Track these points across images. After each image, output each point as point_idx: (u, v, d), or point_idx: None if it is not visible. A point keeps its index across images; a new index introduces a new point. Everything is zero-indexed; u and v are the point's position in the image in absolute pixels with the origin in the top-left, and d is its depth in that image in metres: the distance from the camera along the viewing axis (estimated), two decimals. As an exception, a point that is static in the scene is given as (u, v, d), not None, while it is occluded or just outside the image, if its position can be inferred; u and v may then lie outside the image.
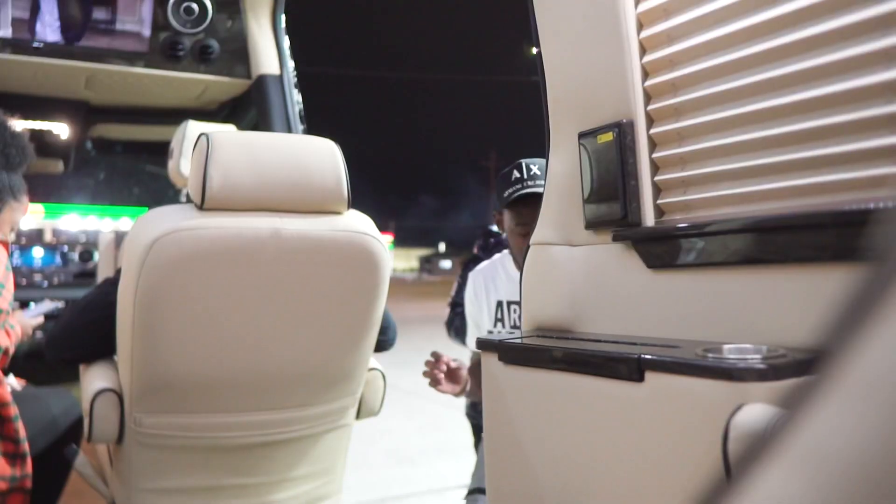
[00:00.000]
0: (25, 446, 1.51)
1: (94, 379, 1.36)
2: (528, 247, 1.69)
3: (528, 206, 1.65)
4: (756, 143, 0.80)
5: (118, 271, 1.34)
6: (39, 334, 2.31)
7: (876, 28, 0.67)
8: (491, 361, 1.04)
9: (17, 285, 1.73)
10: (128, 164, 3.73)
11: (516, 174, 1.70)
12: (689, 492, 0.69)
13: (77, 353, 1.50)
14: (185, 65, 2.62)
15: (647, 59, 0.94)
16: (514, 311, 1.79)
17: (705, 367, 0.68)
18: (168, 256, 1.17)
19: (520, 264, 1.72)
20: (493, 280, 1.85)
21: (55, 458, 1.67)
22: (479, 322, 1.88)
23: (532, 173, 1.70)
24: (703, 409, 0.68)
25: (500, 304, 1.82)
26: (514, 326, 1.79)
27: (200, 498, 1.39)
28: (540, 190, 1.55)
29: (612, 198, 0.96)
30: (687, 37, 0.89)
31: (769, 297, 0.77)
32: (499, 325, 1.82)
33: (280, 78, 2.67)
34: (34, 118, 2.86)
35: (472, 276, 1.92)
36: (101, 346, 1.44)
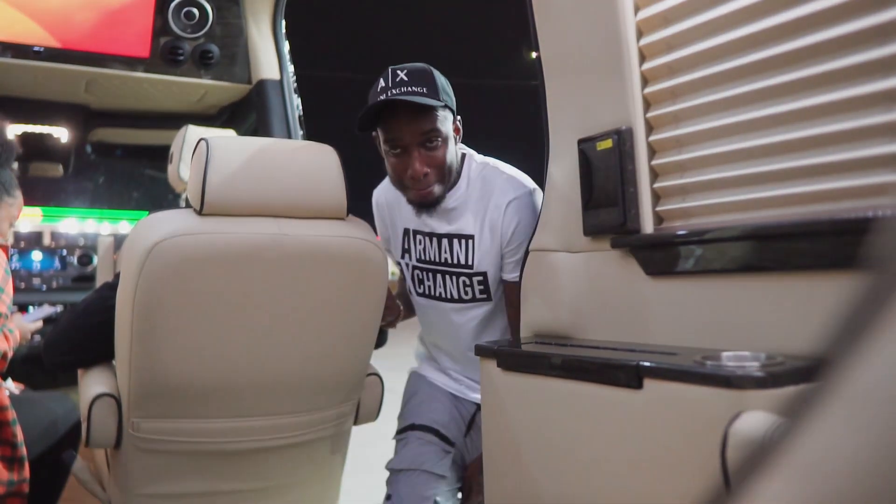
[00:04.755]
0: (23, 450, 1.50)
1: (92, 383, 1.35)
2: (424, 193, 1.45)
3: (396, 116, 1.38)
4: (755, 151, 0.80)
5: (117, 275, 1.34)
6: (38, 338, 2.31)
7: (873, 38, 0.67)
8: (490, 368, 1.04)
9: (15, 289, 1.73)
10: (127, 169, 3.73)
11: (381, 83, 1.40)
12: (687, 499, 0.69)
13: (75, 357, 1.50)
14: (185, 69, 2.62)
15: (646, 66, 0.94)
16: (420, 241, 1.58)
17: (704, 374, 0.68)
18: (167, 261, 1.17)
19: (405, 198, 1.51)
20: (397, 204, 1.61)
21: (53, 462, 1.66)
22: (389, 246, 1.68)
23: (399, 79, 1.39)
24: (701, 416, 0.68)
25: (406, 231, 1.62)
26: (420, 259, 1.59)
27: (198, 503, 1.38)
28: (409, 98, 1.34)
29: (611, 204, 0.96)
30: (686, 45, 0.89)
31: (767, 305, 0.77)
32: (406, 255, 1.62)
33: (280, 83, 2.68)
34: (34, 122, 2.87)
35: (375, 193, 1.70)
36: (99, 350, 1.43)
